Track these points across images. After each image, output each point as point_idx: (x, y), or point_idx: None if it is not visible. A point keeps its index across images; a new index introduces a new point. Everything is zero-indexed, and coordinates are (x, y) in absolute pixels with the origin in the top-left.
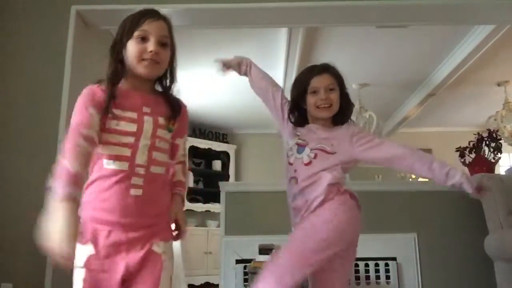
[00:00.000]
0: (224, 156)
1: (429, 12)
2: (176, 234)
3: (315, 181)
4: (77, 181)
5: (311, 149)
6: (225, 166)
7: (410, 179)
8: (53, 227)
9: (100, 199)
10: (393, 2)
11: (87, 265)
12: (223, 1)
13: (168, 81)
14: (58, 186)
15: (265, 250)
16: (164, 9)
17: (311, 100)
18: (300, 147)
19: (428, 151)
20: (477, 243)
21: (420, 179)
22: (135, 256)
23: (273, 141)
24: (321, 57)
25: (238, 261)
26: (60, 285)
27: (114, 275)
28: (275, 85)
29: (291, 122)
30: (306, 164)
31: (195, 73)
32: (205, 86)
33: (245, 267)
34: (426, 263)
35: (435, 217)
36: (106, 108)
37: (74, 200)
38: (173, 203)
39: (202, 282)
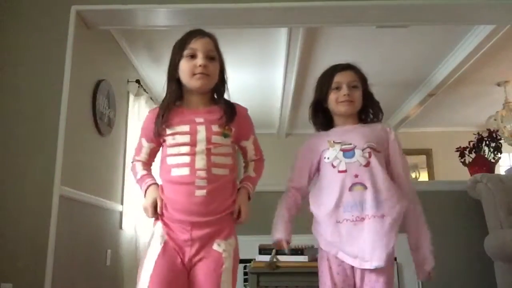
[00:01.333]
0: None
1: (429, 12)
2: (236, 220)
3: (381, 181)
4: (148, 176)
5: (362, 150)
6: None
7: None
8: (149, 198)
9: (171, 202)
10: (393, 2)
11: (164, 245)
12: (223, 1)
13: (221, 90)
14: (141, 188)
15: (265, 250)
16: (164, 9)
17: (333, 96)
18: (347, 152)
19: (428, 151)
20: (477, 243)
21: (420, 179)
22: (197, 251)
23: (273, 141)
24: (321, 57)
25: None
26: (60, 285)
27: (181, 258)
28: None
29: (315, 125)
30: (366, 165)
31: None
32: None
33: (245, 267)
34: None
35: (435, 217)
36: (157, 129)
37: (154, 184)
38: (238, 195)
39: None
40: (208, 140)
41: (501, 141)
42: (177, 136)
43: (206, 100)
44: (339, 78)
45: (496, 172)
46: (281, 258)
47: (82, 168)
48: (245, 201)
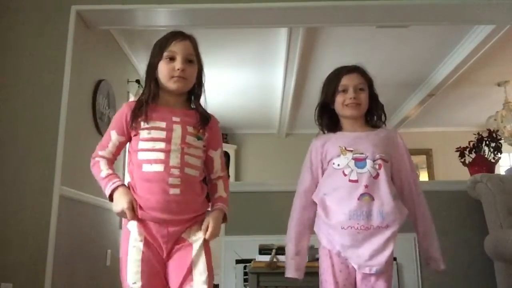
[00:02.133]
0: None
1: (429, 12)
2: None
3: (387, 193)
4: (115, 176)
5: (373, 161)
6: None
7: None
8: (123, 200)
9: (144, 198)
10: (393, 2)
11: (145, 240)
12: (223, 1)
13: (198, 92)
14: (105, 188)
15: (265, 250)
16: (164, 9)
17: (339, 99)
18: (359, 162)
19: (428, 151)
20: (477, 243)
21: (421, 179)
22: (172, 245)
23: (273, 141)
24: (321, 57)
25: (238, 261)
26: (60, 285)
27: (160, 253)
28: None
29: (321, 127)
30: (375, 177)
31: None
32: (205, 86)
33: (245, 267)
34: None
35: (435, 217)
36: (132, 122)
37: (122, 186)
38: (210, 215)
39: None
40: (183, 139)
41: (501, 141)
42: (152, 131)
43: (182, 101)
44: (345, 81)
45: (496, 172)
46: (281, 258)
47: (82, 168)
48: (216, 218)
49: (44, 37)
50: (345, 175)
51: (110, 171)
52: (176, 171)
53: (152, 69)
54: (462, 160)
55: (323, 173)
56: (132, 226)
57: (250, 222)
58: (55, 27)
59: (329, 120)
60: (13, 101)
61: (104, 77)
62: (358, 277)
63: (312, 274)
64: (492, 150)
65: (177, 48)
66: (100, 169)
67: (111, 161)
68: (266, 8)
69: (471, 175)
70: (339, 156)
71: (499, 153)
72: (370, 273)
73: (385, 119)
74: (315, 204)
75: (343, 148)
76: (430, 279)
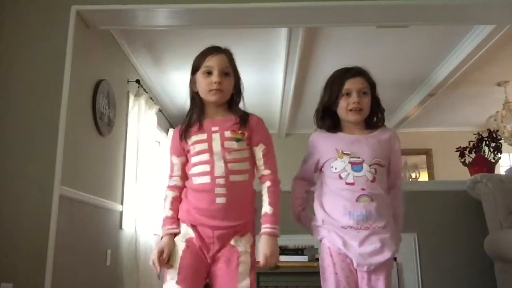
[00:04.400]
0: None
1: (429, 12)
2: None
3: (383, 199)
4: (172, 221)
5: (369, 165)
6: None
7: (410, 179)
8: (154, 251)
9: (192, 206)
10: (393, 2)
11: (187, 241)
12: (223, 1)
13: (237, 100)
14: (161, 227)
15: None
16: (164, 9)
17: (343, 103)
18: (355, 165)
19: (428, 151)
20: (477, 243)
21: (420, 179)
22: (218, 249)
23: (273, 141)
24: (321, 57)
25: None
26: (60, 285)
27: (203, 257)
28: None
29: (322, 128)
30: (372, 181)
31: None
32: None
33: None
34: (426, 263)
35: (435, 217)
36: (183, 136)
37: (169, 235)
38: (262, 242)
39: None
40: (222, 146)
41: (501, 141)
42: (196, 145)
43: (222, 110)
44: (349, 85)
45: (496, 172)
46: (281, 258)
47: (82, 168)
48: (266, 245)
49: (44, 37)
50: (341, 178)
51: (169, 213)
52: (221, 181)
53: (192, 83)
54: (462, 160)
55: (319, 169)
56: (182, 229)
57: None
58: (55, 27)
59: (330, 121)
60: (13, 101)
61: (104, 77)
62: (359, 274)
63: (312, 274)
64: (492, 150)
65: (213, 62)
66: (164, 206)
67: (181, 185)
68: (266, 8)
69: (471, 175)
70: (336, 159)
71: (499, 153)
72: (369, 271)
73: (383, 122)
74: (311, 186)
75: (340, 151)
76: (430, 279)
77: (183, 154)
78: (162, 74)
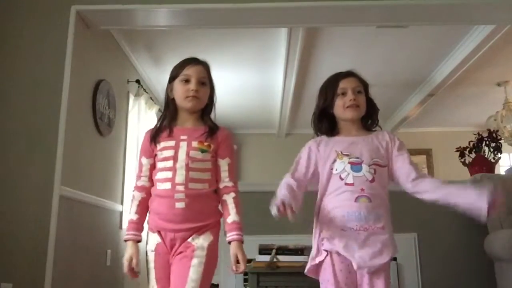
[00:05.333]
0: None
1: (429, 12)
2: (236, 269)
3: (382, 199)
4: (136, 226)
5: (369, 165)
6: None
7: None
8: (124, 261)
9: (155, 212)
10: (393, 2)
11: (156, 249)
12: (223, 1)
13: (209, 110)
14: (126, 231)
15: (265, 250)
16: (164, 9)
17: (340, 102)
18: (354, 165)
19: (428, 151)
20: (477, 243)
21: None
22: (178, 247)
23: (273, 141)
24: (321, 57)
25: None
26: (60, 285)
27: (168, 258)
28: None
29: (320, 132)
30: (371, 181)
31: None
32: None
33: None
34: (426, 263)
35: (435, 217)
36: (153, 140)
37: (132, 241)
38: (232, 248)
39: None
40: (187, 154)
41: (501, 141)
42: (164, 151)
43: (194, 119)
44: (344, 84)
45: (496, 172)
46: (281, 258)
47: (82, 168)
48: (240, 251)
49: (44, 37)
50: (341, 179)
51: (134, 217)
52: (180, 187)
53: (169, 90)
54: (462, 160)
55: (314, 175)
56: (149, 237)
57: (250, 222)
58: (55, 27)
59: (327, 124)
60: (13, 101)
61: (104, 77)
62: (359, 276)
63: None
64: (492, 150)
65: (191, 71)
66: (131, 209)
67: (148, 186)
68: (266, 8)
69: (471, 175)
70: (335, 161)
71: (499, 153)
72: (370, 273)
73: (378, 123)
74: (302, 188)
75: (340, 152)
76: (430, 279)
77: (152, 156)
78: (162, 74)
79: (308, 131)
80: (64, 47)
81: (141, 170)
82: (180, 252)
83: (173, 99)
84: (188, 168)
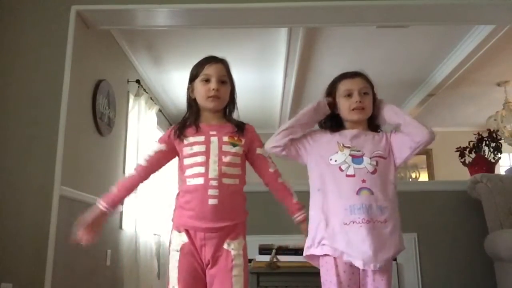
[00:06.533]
0: None
1: (429, 12)
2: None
3: (384, 192)
4: (109, 199)
5: (370, 158)
6: None
7: (410, 179)
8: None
9: (186, 208)
10: (393, 2)
11: (181, 249)
12: (223, 1)
13: (231, 108)
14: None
15: (265, 250)
16: (164, 9)
17: (345, 103)
18: (355, 158)
19: (428, 151)
20: (477, 243)
21: (420, 179)
22: (211, 253)
23: None
24: (321, 57)
25: None
26: (60, 285)
27: (199, 260)
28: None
29: (325, 128)
30: (373, 173)
31: None
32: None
33: None
34: (426, 263)
35: (435, 217)
36: (179, 137)
37: (99, 209)
38: (302, 226)
39: None
40: (220, 149)
41: (501, 141)
42: (194, 146)
43: (218, 117)
44: (349, 85)
45: (496, 172)
46: (281, 258)
47: (82, 168)
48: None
49: (44, 37)
50: (341, 170)
51: (113, 190)
52: (214, 182)
53: (190, 90)
54: (462, 160)
55: (303, 147)
56: (174, 237)
57: (250, 222)
58: (55, 27)
59: (331, 123)
60: (13, 101)
61: (104, 77)
62: (362, 275)
63: (312, 274)
64: (492, 150)
65: (211, 70)
66: (117, 182)
67: (143, 168)
68: (266, 8)
69: (471, 175)
70: (336, 152)
71: (499, 153)
72: (374, 271)
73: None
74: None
75: (341, 144)
76: (430, 279)
77: (167, 143)
78: (162, 74)
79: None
80: (64, 47)
81: (149, 151)
82: (217, 260)
83: (195, 99)
84: (221, 163)
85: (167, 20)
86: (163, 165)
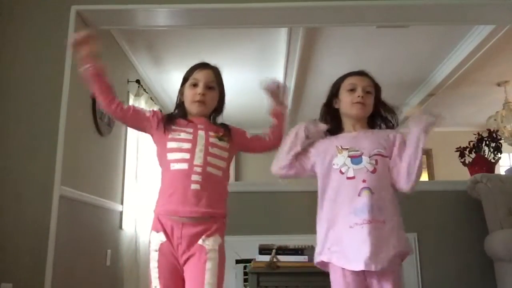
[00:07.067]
0: None
1: (429, 12)
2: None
3: (385, 191)
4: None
5: (369, 157)
6: None
7: None
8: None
9: (168, 194)
10: (393, 2)
11: (160, 249)
12: (223, 1)
13: (216, 115)
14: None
15: (265, 250)
16: (164, 9)
17: (347, 97)
18: (354, 158)
19: (428, 151)
20: (477, 243)
21: (420, 179)
22: (186, 249)
23: None
24: (321, 57)
25: (238, 261)
26: (60, 285)
27: (177, 259)
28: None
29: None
30: (373, 172)
31: None
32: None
33: (245, 267)
34: (426, 263)
35: (435, 217)
36: (169, 120)
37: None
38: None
39: None
40: (206, 140)
41: (501, 141)
42: (182, 133)
43: (204, 121)
44: (354, 80)
45: (496, 172)
46: (281, 258)
47: (82, 168)
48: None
49: (44, 37)
50: (342, 173)
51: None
52: (198, 169)
53: (180, 93)
54: (462, 160)
55: (309, 168)
56: (153, 236)
57: (250, 222)
58: (55, 27)
59: (331, 121)
60: (13, 101)
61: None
62: (368, 279)
63: (312, 274)
64: (492, 150)
65: (199, 75)
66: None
67: (120, 102)
68: (266, 8)
69: (471, 175)
70: (336, 156)
71: (499, 153)
72: (378, 272)
73: (397, 125)
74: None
75: (340, 147)
76: (430, 279)
77: (152, 120)
78: (162, 74)
79: None
80: (64, 47)
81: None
82: (192, 255)
83: (183, 103)
84: (207, 153)
85: (167, 20)
86: (132, 120)
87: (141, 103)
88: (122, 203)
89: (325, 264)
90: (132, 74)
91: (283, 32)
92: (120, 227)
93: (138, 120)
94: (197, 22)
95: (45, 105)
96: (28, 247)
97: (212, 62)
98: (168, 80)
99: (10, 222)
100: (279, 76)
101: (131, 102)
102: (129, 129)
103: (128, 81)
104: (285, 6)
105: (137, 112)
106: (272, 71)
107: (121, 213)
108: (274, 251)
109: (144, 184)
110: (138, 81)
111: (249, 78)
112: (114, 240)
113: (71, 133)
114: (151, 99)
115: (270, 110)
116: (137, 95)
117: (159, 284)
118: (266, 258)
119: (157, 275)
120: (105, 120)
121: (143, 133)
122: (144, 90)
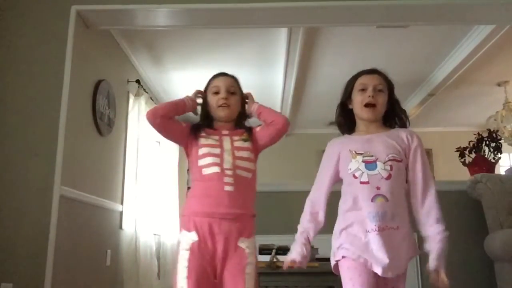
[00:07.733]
0: None
1: (429, 12)
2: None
3: (399, 198)
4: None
5: (384, 163)
6: None
7: None
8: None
9: (202, 196)
10: (393, 2)
11: (191, 248)
12: (223, 1)
13: (243, 118)
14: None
15: (265, 250)
16: (164, 9)
17: (358, 98)
18: (368, 164)
19: (428, 151)
20: (477, 243)
21: None
22: (224, 249)
23: None
24: (321, 57)
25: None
26: (60, 285)
27: (211, 259)
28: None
29: (339, 127)
30: (387, 178)
31: (195, 73)
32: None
33: None
34: (426, 263)
35: None
36: (197, 129)
37: None
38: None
39: None
40: (232, 144)
41: (501, 141)
42: (209, 138)
43: (229, 127)
44: (365, 79)
45: (496, 172)
46: (281, 258)
47: (82, 168)
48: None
49: (44, 36)
50: (355, 178)
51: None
52: (229, 172)
53: (204, 103)
54: (462, 160)
55: (336, 179)
56: (183, 235)
57: None
58: (55, 27)
59: (346, 121)
60: (13, 101)
61: (104, 77)
62: (382, 283)
63: (312, 274)
64: (492, 150)
65: (219, 82)
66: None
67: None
68: (266, 8)
69: (471, 175)
70: (350, 161)
71: (499, 153)
72: (392, 278)
73: (409, 124)
74: (321, 209)
75: (354, 152)
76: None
77: (185, 129)
78: (162, 74)
79: (308, 131)
80: (64, 47)
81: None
82: (231, 258)
83: (209, 111)
84: (234, 157)
85: (167, 20)
86: (170, 131)
87: (141, 103)
88: (122, 203)
89: (337, 266)
90: (132, 74)
91: (283, 32)
92: (120, 227)
93: (173, 130)
94: (197, 22)
95: (45, 105)
96: (28, 247)
97: (212, 62)
98: (168, 80)
99: (10, 222)
100: (279, 76)
101: (131, 102)
102: (129, 129)
103: (128, 81)
104: (285, 6)
105: (173, 121)
106: (272, 71)
107: (121, 213)
108: (274, 251)
109: (144, 184)
110: (138, 81)
111: (249, 78)
112: (114, 240)
113: (71, 133)
114: (151, 99)
115: (252, 114)
116: (137, 95)
117: (186, 284)
118: (266, 258)
119: (185, 274)
120: (105, 120)
121: (143, 134)
122: (144, 90)
